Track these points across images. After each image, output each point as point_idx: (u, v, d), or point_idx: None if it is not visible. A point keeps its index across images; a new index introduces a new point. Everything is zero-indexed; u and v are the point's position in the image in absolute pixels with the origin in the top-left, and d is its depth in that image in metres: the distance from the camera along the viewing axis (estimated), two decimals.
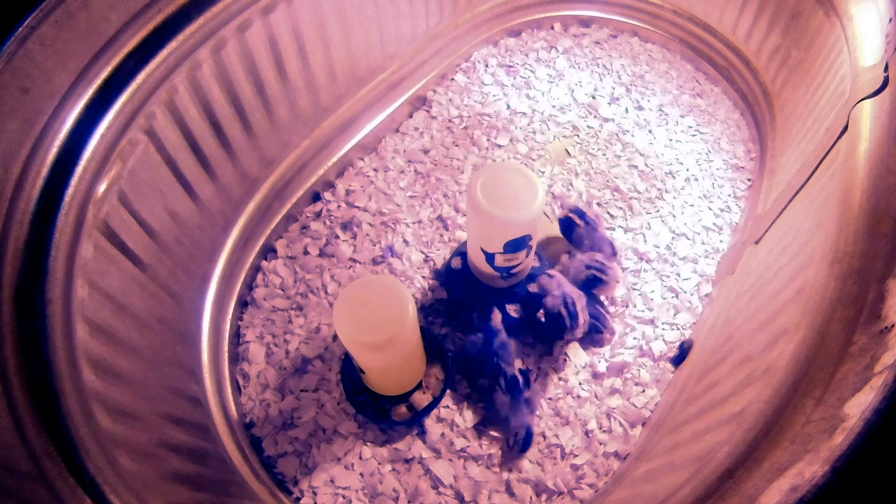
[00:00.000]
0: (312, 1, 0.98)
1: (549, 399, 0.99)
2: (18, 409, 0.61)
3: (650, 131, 1.30)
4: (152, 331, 0.86)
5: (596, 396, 1.00)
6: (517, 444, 0.92)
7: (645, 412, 0.98)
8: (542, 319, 0.98)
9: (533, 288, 1.02)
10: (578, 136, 1.30)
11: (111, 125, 0.76)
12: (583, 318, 0.97)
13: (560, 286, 0.99)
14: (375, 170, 1.25)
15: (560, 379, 1.01)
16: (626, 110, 1.33)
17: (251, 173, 1.07)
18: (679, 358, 1.02)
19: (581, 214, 1.09)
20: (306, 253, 1.14)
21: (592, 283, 1.03)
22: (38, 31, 0.67)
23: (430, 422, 0.97)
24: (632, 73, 1.39)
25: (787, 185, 0.96)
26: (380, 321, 0.78)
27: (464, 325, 1.05)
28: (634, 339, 1.05)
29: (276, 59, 0.98)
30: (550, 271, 1.03)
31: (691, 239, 1.16)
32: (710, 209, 1.19)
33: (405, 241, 1.15)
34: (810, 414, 0.56)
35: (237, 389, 1.01)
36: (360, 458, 0.95)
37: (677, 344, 1.04)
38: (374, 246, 1.15)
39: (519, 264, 0.98)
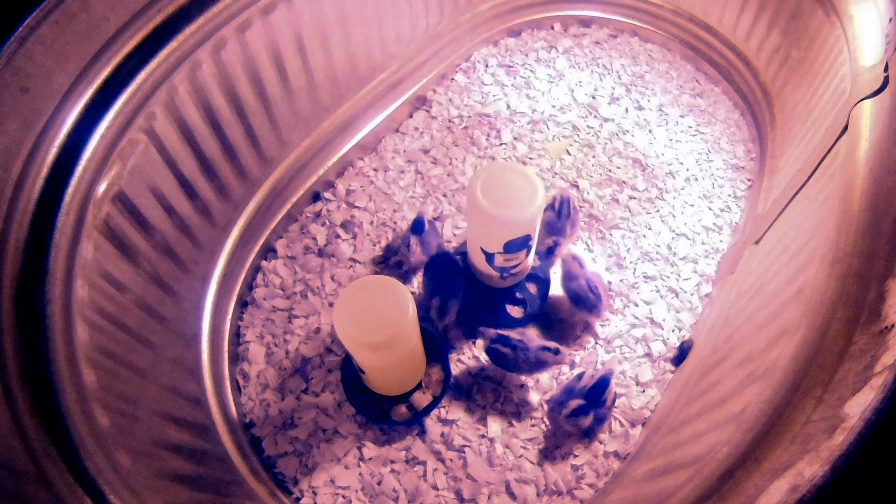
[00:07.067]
0: (312, 1, 0.98)
1: (549, 400, 0.99)
2: (18, 409, 0.61)
3: (650, 131, 1.30)
4: (152, 331, 0.87)
5: None
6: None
7: (645, 412, 0.98)
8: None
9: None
10: (578, 135, 1.30)
11: (111, 125, 0.76)
12: (605, 299, 1.02)
13: (583, 269, 1.02)
14: (375, 170, 1.25)
15: (559, 379, 1.01)
16: (626, 110, 1.33)
17: (251, 173, 1.07)
18: (679, 358, 1.02)
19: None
20: (306, 253, 1.14)
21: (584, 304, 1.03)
22: (38, 31, 0.67)
23: (430, 422, 0.97)
24: (632, 73, 1.39)
25: (787, 185, 0.96)
26: (380, 321, 0.78)
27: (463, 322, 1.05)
28: (634, 338, 1.05)
29: (276, 58, 0.98)
30: (573, 253, 1.05)
31: (691, 239, 1.16)
32: (710, 209, 1.19)
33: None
34: (810, 414, 0.57)
35: (237, 389, 1.01)
36: (360, 458, 0.95)
37: (677, 344, 1.04)
38: (374, 246, 1.15)
39: (519, 264, 0.98)
